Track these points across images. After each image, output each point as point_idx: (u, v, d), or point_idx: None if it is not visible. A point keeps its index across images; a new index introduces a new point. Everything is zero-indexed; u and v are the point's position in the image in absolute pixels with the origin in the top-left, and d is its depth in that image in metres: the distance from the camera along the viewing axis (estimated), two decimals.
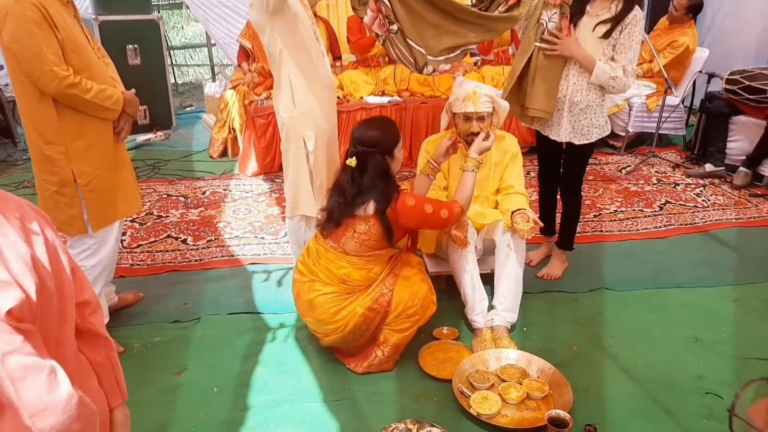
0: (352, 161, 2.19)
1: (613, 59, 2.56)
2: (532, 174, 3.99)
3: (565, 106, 2.66)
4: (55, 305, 0.98)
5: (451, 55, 2.57)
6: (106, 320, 2.47)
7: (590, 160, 4.69)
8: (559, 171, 2.94)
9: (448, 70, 2.64)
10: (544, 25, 2.58)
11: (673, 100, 4.73)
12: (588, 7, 2.57)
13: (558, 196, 3.02)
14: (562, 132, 2.71)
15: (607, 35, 2.52)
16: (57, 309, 0.99)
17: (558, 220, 3.06)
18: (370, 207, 2.18)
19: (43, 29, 1.99)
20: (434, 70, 2.60)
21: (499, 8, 2.54)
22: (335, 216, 2.24)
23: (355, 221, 2.20)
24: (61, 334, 1.01)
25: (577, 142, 2.71)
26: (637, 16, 2.49)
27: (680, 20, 4.73)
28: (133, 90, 2.35)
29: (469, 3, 2.67)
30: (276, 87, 2.55)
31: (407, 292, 2.24)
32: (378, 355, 2.28)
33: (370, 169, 2.19)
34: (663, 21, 4.95)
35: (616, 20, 2.49)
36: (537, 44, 2.61)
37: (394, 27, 2.49)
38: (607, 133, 2.76)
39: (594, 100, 2.64)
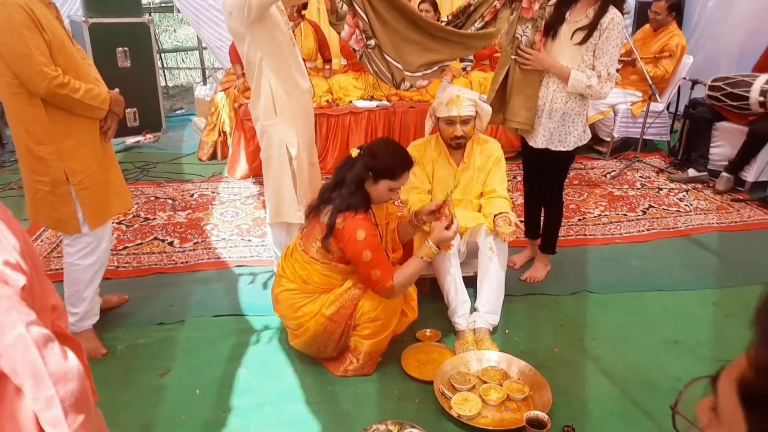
0: (354, 151, 2.25)
1: (593, 65, 2.60)
2: (519, 178, 4.04)
3: (544, 113, 2.70)
4: (37, 300, 1.01)
5: (429, 71, 2.63)
6: (96, 318, 2.50)
7: (575, 165, 4.80)
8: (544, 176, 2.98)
9: (425, 86, 2.71)
10: (519, 38, 2.63)
11: (657, 106, 4.80)
12: (567, 15, 2.61)
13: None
14: (539, 139, 2.75)
15: (584, 41, 2.55)
16: (36, 304, 1.01)
17: (543, 223, 3.09)
18: (327, 214, 2.18)
19: (32, 31, 2.01)
20: (411, 86, 2.67)
21: (476, 24, 2.60)
22: (322, 197, 2.27)
23: (318, 226, 2.22)
24: None
25: (553, 149, 2.74)
26: (615, 20, 2.52)
27: (664, 23, 4.80)
28: (116, 89, 2.37)
29: (445, 19, 2.73)
30: (254, 95, 2.55)
31: (368, 299, 2.24)
32: (353, 362, 2.30)
33: (354, 170, 2.22)
34: (645, 29, 5.01)
35: (592, 25, 2.53)
36: (513, 57, 2.67)
37: (372, 42, 2.55)
38: (585, 141, 2.80)
39: (573, 108, 2.68)
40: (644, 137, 4.87)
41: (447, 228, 2.23)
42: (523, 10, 2.60)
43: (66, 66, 2.13)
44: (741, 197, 4.18)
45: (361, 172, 2.20)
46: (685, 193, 4.28)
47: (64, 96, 2.10)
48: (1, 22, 1.98)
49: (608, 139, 5.07)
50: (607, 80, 2.58)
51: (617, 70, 2.69)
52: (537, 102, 2.71)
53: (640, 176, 4.64)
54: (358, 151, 2.25)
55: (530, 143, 2.79)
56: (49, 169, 2.20)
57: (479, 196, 2.78)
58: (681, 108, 5.04)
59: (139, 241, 3.47)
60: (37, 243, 3.39)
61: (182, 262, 3.24)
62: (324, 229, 2.18)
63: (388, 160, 2.22)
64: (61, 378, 0.94)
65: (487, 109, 2.68)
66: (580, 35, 2.56)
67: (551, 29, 2.62)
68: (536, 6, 2.59)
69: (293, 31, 4.61)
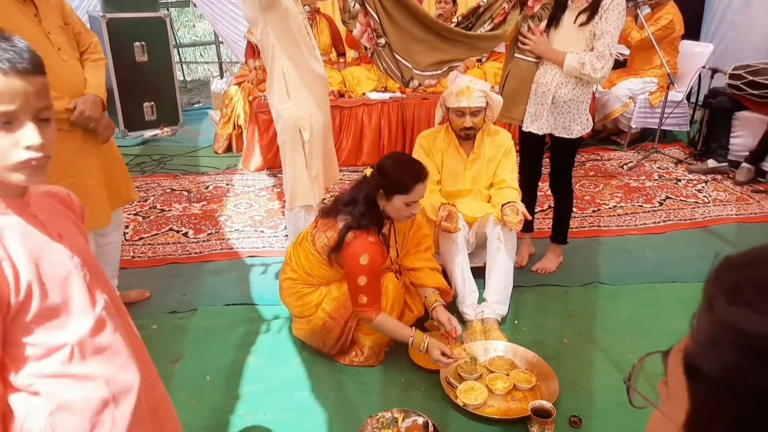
0: (368, 171, 2.22)
1: (594, 47, 2.57)
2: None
3: (549, 99, 2.68)
4: None
5: (438, 71, 2.69)
6: None
7: (592, 156, 4.74)
8: (540, 168, 2.97)
9: (434, 84, 2.75)
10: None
11: (676, 95, 4.70)
12: (569, 2, 2.59)
13: (538, 192, 3.07)
14: (543, 124, 2.74)
15: (588, 21, 2.53)
16: None
17: (537, 216, 3.11)
18: (341, 221, 2.18)
19: None
20: (419, 84, 2.74)
21: (485, 26, 2.64)
22: (331, 206, 2.28)
23: (333, 224, 2.22)
24: None
25: (557, 135, 2.73)
26: (615, 1, 2.48)
27: (663, 2, 4.72)
28: (92, 95, 2.19)
29: (455, 21, 2.75)
30: (269, 79, 2.60)
31: None
32: (358, 354, 2.33)
33: (365, 189, 2.19)
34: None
35: (594, 6, 2.50)
36: (516, 56, 2.69)
37: (382, 41, 2.60)
38: (589, 130, 2.79)
39: (578, 96, 2.66)
40: (663, 128, 4.79)
41: (443, 354, 2.13)
42: (527, 9, 2.65)
43: None
44: (762, 188, 4.09)
45: (372, 191, 2.16)
46: (704, 184, 4.20)
47: None
48: None
49: (626, 130, 4.99)
50: (606, 58, 2.52)
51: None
52: (526, 97, 2.73)
53: (658, 167, 4.56)
54: (371, 169, 2.21)
55: (533, 130, 2.77)
56: None
57: (489, 186, 2.77)
58: (701, 98, 4.93)
59: (154, 232, 3.52)
60: None
61: (196, 253, 3.28)
62: (335, 238, 2.16)
63: (398, 175, 2.14)
64: None
65: (498, 100, 2.67)
66: (583, 17, 2.54)
67: (554, 18, 2.61)
68: (537, 6, 2.64)
69: (310, 23, 4.67)
